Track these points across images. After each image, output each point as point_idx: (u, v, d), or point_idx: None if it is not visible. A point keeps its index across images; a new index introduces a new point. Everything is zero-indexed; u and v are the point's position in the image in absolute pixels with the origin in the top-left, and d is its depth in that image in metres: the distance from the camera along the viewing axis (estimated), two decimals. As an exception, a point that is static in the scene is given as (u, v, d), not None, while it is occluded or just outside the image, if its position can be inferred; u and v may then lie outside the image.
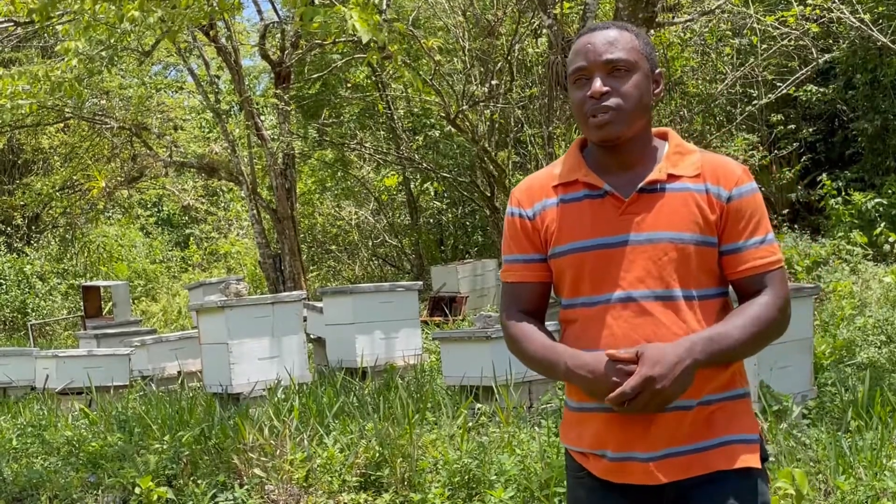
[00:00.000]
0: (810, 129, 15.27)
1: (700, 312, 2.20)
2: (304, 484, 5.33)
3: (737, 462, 2.19)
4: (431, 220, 20.94)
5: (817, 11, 12.04)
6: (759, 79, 13.95)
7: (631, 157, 2.26)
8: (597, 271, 2.22)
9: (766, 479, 2.25)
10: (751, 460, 2.20)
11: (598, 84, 2.20)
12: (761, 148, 14.63)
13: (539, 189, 2.34)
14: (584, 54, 2.25)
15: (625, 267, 2.20)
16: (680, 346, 2.10)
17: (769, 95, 13.77)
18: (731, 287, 2.30)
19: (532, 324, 2.34)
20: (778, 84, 13.80)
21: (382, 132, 19.42)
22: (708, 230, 2.20)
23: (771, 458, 4.53)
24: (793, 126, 14.92)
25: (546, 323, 2.41)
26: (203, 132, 24.54)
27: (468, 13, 16.09)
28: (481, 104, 15.34)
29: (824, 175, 13.85)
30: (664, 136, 2.33)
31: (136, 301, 22.68)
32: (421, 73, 14.64)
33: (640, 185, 2.22)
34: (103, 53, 10.37)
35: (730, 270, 2.24)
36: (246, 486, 5.39)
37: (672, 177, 2.23)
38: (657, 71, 2.30)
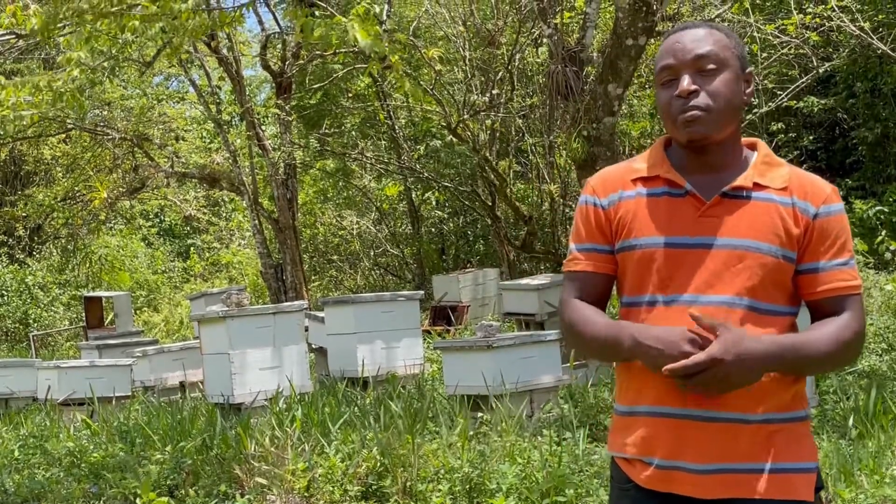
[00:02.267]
0: (811, 138, 15.30)
1: (767, 327, 2.11)
2: (306, 494, 5.33)
3: (791, 493, 2.09)
4: (433, 230, 20.96)
5: (817, 20, 12.07)
6: (760, 87, 13.98)
7: (716, 161, 2.18)
8: (665, 270, 2.14)
9: None
10: (805, 492, 2.11)
11: (685, 82, 2.13)
12: (762, 156, 14.63)
13: (616, 180, 2.26)
14: (671, 53, 2.17)
15: (696, 270, 2.12)
16: (761, 342, 2.03)
17: (770, 104, 13.80)
18: (804, 308, 2.21)
19: (592, 308, 2.25)
20: (778, 92, 13.82)
21: (384, 142, 19.46)
22: (789, 244, 2.12)
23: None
24: (793, 134, 14.94)
25: None
26: (204, 143, 24.59)
27: (469, 23, 16.12)
28: (482, 113, 15.36)
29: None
30: (753, 147, 2.25)
31: (137, 311, 22.69)
32: (422, 82, 14.67)
33: (724, 189, 2.14)
34: (105, 64, 10.39)
35: (807, 290, 2.16)
36: (247, 496, 5.39)
37: (758, 186, 2.15)
38: (748, 70, 2.21)
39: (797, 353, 2.07)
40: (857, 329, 2.13)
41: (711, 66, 2.14)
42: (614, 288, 2.33)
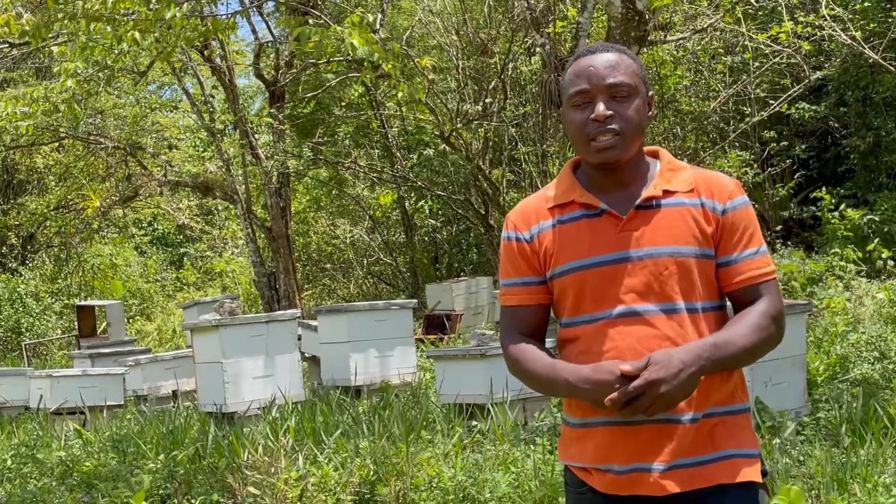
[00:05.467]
0: (803, 146, 15.33)
1: (704, 324, 2.23)
2: (299, 503, 5.32)
3: (738, 476, 2.20)
4: (426, 238, 20.96)
5: (809, 29, 12.11)
6: (752, 96, 14.02)
7: (625, 177, 2.29)
8: (599, 289, 2.24)
9: (766, 493, 2.28)
10: (752, 474, 2.22)
11: (601, 108, 2.23)
12: (754, 165, 14.68)
13: (534, 212, 2.35)
14: (585, 77, 2.27)
15: (626, 283, 2.22)
16: (688, 351, 2.13)
17: (762, 113, 13.84)
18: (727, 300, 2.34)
19: (531, 344, 2.35)
20: (770, 101, 13.87)
21: (377, 150, 19.48)
22: (706, 243, 2.24)
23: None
24: (786, 143, 14.98)
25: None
26: (198, 151, 24.56)
27: (462, 32, 16.16)
28: (475, 122, 15.39)
29: (823, 189, 13.82)
30: (655, 155, 2.36)
31: (130, 320, 22.64)
32: (416, 90, 14.68)
33: (637, 201, 2.25)
34: (100, 74, 10.39)
35: (725, 282, 2.27)
36: (240, 506, 5.38)
37: (667, 192, 2.26)
38: (650, 94, 2.35)
39: (724, 351, 2.17)
40: (774, 313, 2.24)
41: (624, 93, 2.26)
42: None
